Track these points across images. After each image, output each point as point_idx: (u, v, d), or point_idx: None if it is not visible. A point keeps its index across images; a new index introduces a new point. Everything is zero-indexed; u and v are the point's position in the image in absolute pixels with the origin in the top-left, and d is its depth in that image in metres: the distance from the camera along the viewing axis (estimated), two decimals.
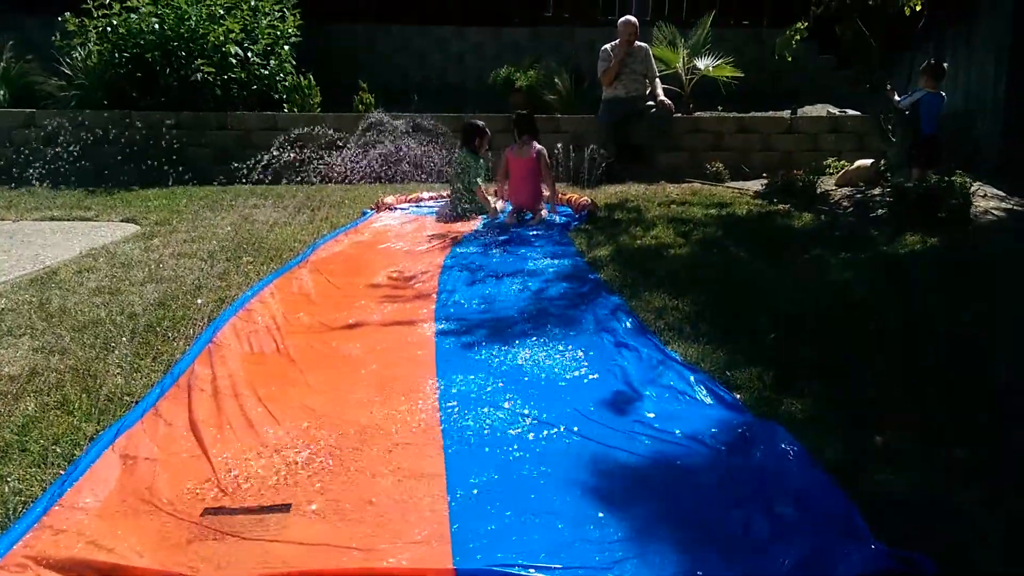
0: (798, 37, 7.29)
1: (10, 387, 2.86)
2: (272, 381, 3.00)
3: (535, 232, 5.78)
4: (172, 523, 2.04)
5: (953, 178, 5.87)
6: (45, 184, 7.54)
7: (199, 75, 8.12)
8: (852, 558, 1.78)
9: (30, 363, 3.09)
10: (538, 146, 6.26)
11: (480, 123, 6.63)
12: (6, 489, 2.18)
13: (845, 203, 6.59)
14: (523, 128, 6.44)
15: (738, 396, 2.79)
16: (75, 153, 7.68)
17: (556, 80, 9.36)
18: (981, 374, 2.95)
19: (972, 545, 1.89)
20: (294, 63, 9.03)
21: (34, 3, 10.11)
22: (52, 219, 6.24)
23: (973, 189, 5.98)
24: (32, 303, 3.89)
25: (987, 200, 6.21)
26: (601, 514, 2.07)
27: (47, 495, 2.13)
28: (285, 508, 2.10)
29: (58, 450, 2.41)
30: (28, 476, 2.26)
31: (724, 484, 2.19)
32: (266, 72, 8.73)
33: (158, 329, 3.50)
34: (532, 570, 1.82)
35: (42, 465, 2.33)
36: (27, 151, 7.90)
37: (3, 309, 3.79)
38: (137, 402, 2.74)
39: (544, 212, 6.25)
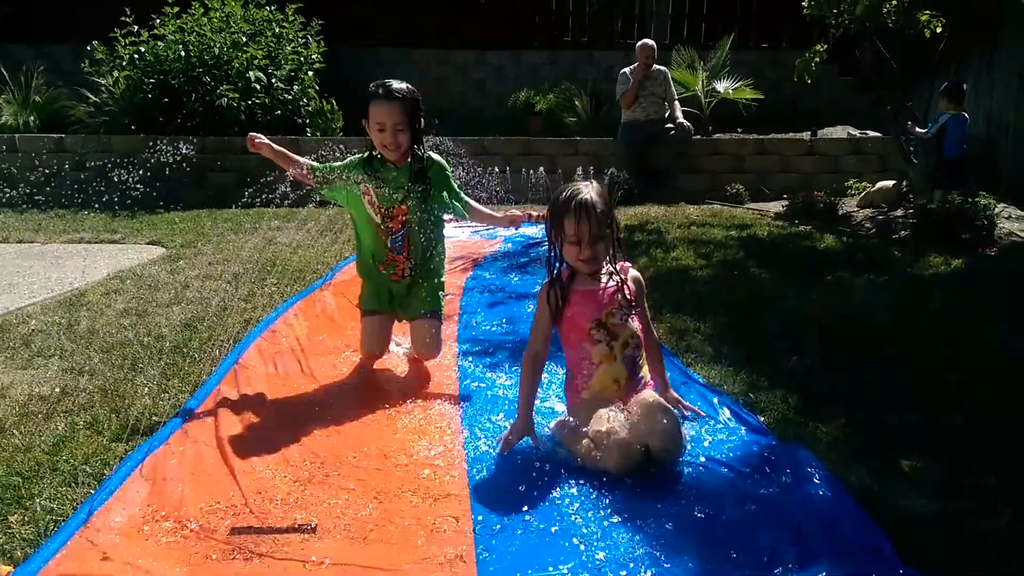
0: (817, 59, 7.31)
1: (41, 407, 2.91)
2: (297, 400, 3.03)
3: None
4: (200, 542, 2.06)
5: (977, 199, 5.84)
6: (73, 207, 7.68)
7: (223, 100, 8.27)
8: None
9: (60, 383, 3.14)
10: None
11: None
12: (37, 508, 2.21)
13: (867, 225, 6.56)
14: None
15: (762, 419, 2.78)
16: (103, 177, 7.82)
17: (576, 103, 9.45)
18: (1009, 398, 2.92)
19: (1000, 570, 1.86)
20: (317, 88, 9.18)
21: (63, 32, 10.38)
22: (80, 241, 6.36)
23: (997, 210, 5.95)
24: (61, 324, 3.95)
25: (1011, 222, 6.16)
26: (624, 536, 2.06)
27: (78, 514, 2.15)
28: (311, 528, 2.11)
29: (88, 469, 2.44)
30: (59, 495, 2.29)
31: (749, 507, 2.18)
32: (289, 97, 8.88)
33: (185, 350, 3.54)
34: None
35: (72, 484, 2.36)
36: (57, 175, 8.06)
37: (33, 330, 3.86)
38: (165, 423, 2.77)
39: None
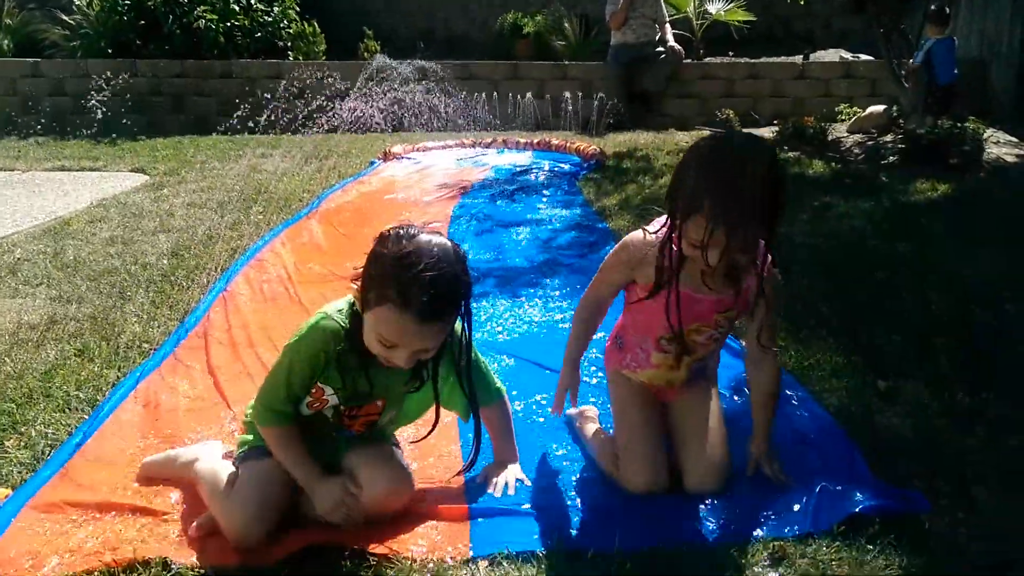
0: None
1: (31, 335, 2.92)
2: (286, 329, 3.04)
3: (544, 181, 5.76)
4: None
5: (966, 124, 5.81)
6: (52, 134, 7.53)
7: (201, 22, 8.03)
8: (852, 496, 1.83)
9: (49, 312, 3.15)
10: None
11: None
12: (33, 433, 2.25)
13: (856, 150, 6.54)
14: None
15: (743, 342, 2.82)
16: (81, 103, 7.65)
17: (565, 25, 9.23)
18: (990, 320, 2.98)
19: (971, 483, 1.94)
20: (298, 10, 8.91)
21: None
22: (61, 169, 6.26)
23: (986, 135, 5.93)
24: (47, 253, 3.93)
25: (1000, 147, 6.15)
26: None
27: (73, 438, 2.20)
28: None
29: (81, 395, 2.47)
30: (53, 421, 2.33)
31: (728, 427, 2.24)
32: (269, 19, 8.62)
33: (172, 278, 3.55)
34: (539, 509, 1.89)
35: (66, 410, 2.39)
36: (33, 101, 7.87)
37: (19, 259, 3.85)
38: (155, 349, 2.80)
39: None
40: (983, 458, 2.06)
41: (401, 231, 1.66)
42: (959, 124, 5.84)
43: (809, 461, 2.04)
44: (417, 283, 1.57)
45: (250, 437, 1.89)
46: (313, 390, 1.80)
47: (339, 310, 1.78)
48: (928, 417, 2.28)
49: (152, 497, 1.94)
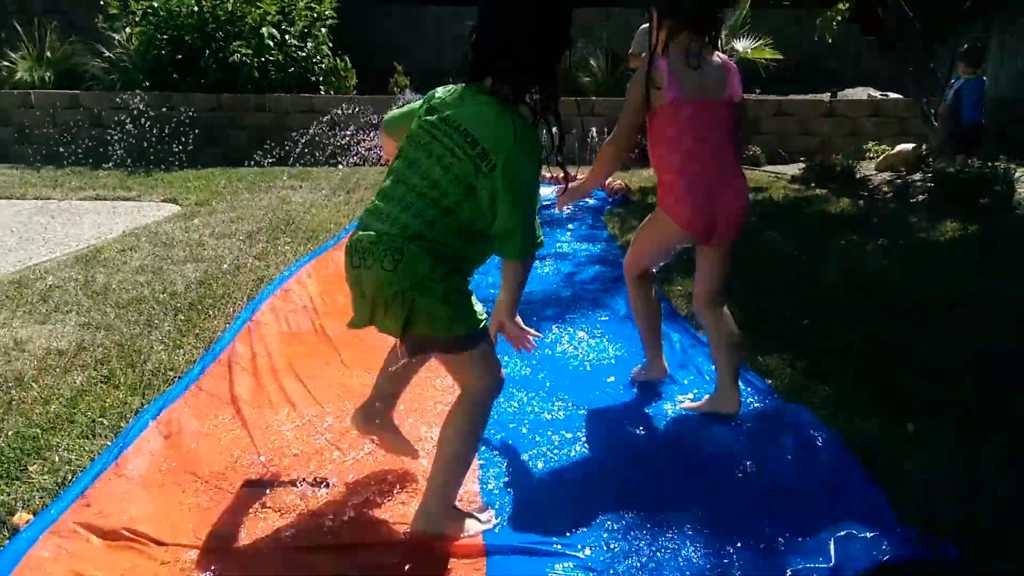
0: (839, 18, 7.16)
1: (59, 361, 2.96)
2: (310, 360, 3.07)
3: (568, 215, 5.77)
4: (215, 495, 2.12)
5: (996, 164, 5.76)
6: (89, 164, 7.72)
7: (237, 57, 8.22)
8: (878, 544, 1.78)
9: (77, 338, 3.20)
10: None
11: None
12: (56, 458, 2.27)
13: (884, 188, 6.49)
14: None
15: (769, 381, 2.79)
16: (118, 134, 7.84)
17: (591, 62, 9.32)
18: (1020, 362, 2.91)
19: (1004, 533, 1.88)
20: (331, 45, 9.11)
21: None
22: (96, 198, 6.40)
23: (1017, 176, 5.86)
24: (78, 280, 4.00)
25: None
26: (630, 498, 2.09)
27: (95, 465, 2.21)
28: (324, 483, 2.16)
29: (105, 422, 2.49)
30: (76, 446, 2.35)
31: (753, 468, 2.20)
32: (303, 54, 8.81)
33: (199, 307, 3.59)
34: (558, 547, 1.86)
35: (90, 436, 2.42)
36: (72, 131, 8.08)
37: (50, 286, 3.92)
38: (180, 377, 2.82)
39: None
40: (1016, 505, 2.00)
41: None
42: (990, 164, 5.78)
43: (834, 505, 1.99)
44: None
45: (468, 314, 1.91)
46: None
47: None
48: (958, 461, 2.22)
49: (169, 527, 1.95)
